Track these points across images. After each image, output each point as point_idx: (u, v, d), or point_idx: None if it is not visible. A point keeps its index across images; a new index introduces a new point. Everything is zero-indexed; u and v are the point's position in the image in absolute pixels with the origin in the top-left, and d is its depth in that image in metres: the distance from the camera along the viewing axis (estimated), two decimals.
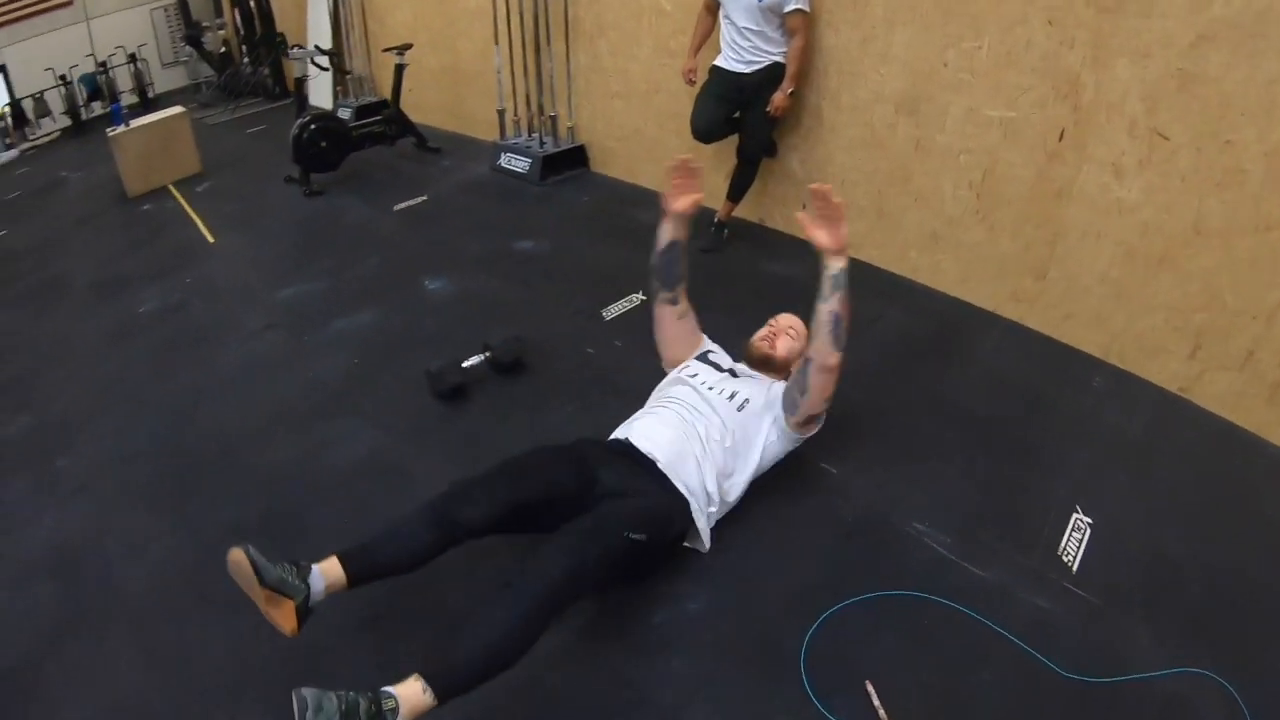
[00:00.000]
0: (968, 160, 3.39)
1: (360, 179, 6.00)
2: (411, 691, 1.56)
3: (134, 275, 4.91)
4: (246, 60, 10.46)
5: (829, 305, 2.19)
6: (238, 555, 1.73)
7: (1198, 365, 2.92)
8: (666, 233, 2.52)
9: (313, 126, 5.56)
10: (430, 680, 1.58)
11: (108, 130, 6.78)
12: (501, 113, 5.71)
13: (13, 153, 10.96)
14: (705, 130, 3.88)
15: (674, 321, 2.63)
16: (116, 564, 2.50)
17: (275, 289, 4.29)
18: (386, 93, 7.53)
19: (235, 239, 5.26)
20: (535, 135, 5.62)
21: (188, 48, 11.71)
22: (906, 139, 3.58)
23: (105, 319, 4.35)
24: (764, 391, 2.43)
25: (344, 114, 7.29)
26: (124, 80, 12.03)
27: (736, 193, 4.09)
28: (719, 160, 4.30)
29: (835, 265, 2.18)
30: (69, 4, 12.28)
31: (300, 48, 6.13)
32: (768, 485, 2.45)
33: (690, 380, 2.46)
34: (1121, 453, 2.71)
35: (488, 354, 3.17)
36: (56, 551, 2.60)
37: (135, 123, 6.78)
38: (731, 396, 2.37)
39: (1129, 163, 2.89)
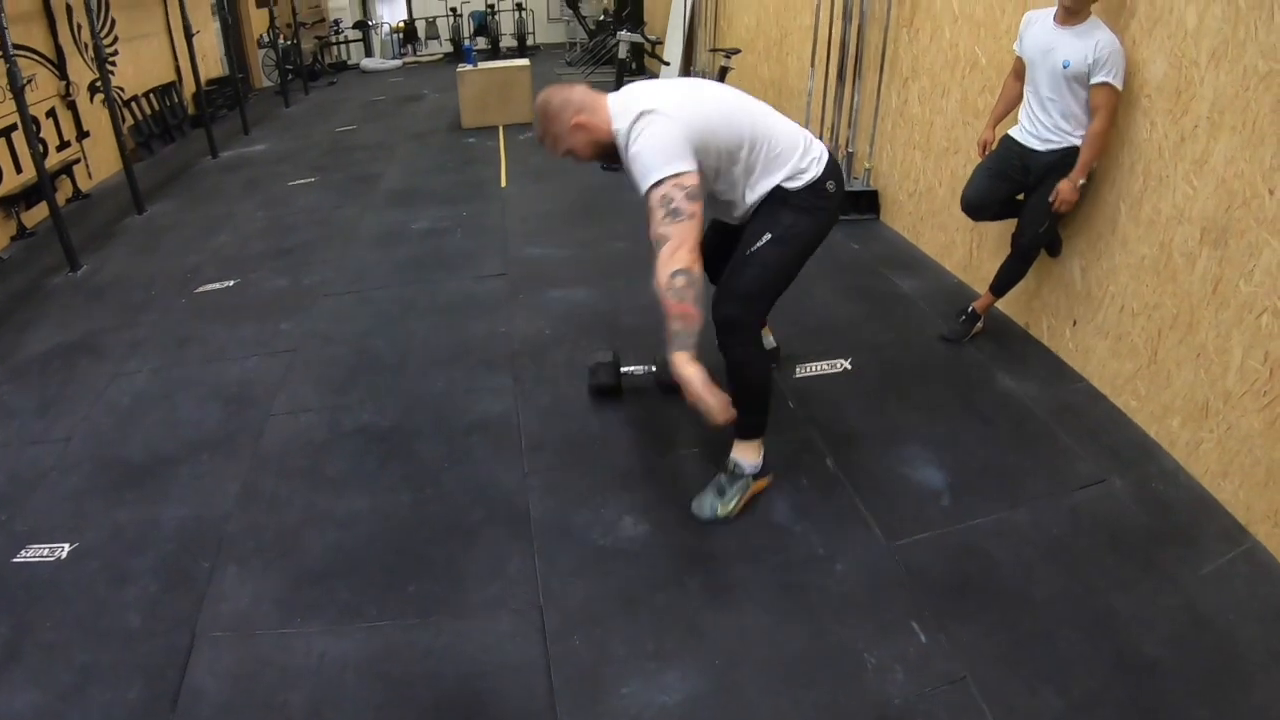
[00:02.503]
0: (1270, 324, 2.66)
1: None
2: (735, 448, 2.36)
3: (427, 194, 5.66)
4: (635, 32, 11.28)
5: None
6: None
7: None
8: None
9: None
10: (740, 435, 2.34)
11: (457, 67, 7.76)
12: None
13: (397, 62, 12.95)
14: (975, 204, 3.47)
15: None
16: (271, 416, 3.05)
17: (526, 244, 4.63)
18: None
19: (524, 189, 5.77)
20: None
21: (568, 9, 12.86)
22: (1205, 276, 2.93)
23: (385, 222, 5.09)
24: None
25: None
26: (507, 24, 13.52)
27: (1000, 285, 3.56)
28: (1002, 243, 3.83)
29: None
30: None
31: (627, 31, 6.51)
32: (833, 622, 2.10)
33: None
34: None
35: (654, 369, 3.15)
36: (239, 387, 3.26)
37: (483, 65, 7.73)
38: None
39: None
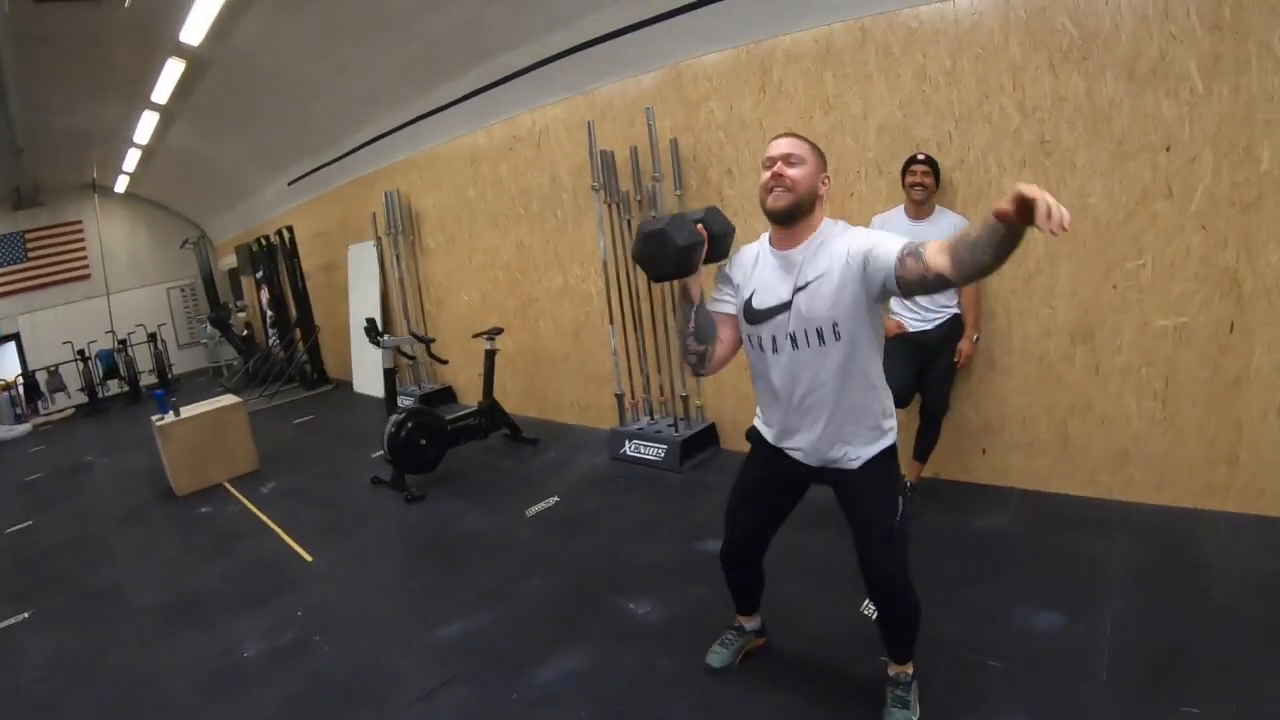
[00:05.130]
0: (1149, 373, 3.38)
1: (462, 480, 5.31)
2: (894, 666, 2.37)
3: (216, 599, 4.05)
4: (278, 343, 10.07)
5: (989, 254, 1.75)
6: None
7: None
8: (697, 291, 2.18)
9: (410, 424, 5.01)
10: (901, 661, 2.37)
11: (153, 418, 6.17)
12: (620, 397, 5.25)
13: (25, 427, 10.28)
14: (903, 393, 3.52)
15: (726, 342, 2.24)
16: None
17: (430, 625, 3.39)
18: (449, 379, 7.18)
19: (339, 555, 4.38)
20: (660, 418, 5.21)
21: (210, 329, 11.48)
22: (1085, 366, 3.52)
23: (195, 660, 3.44)
24: (834, 293, 2.00)
25: (404, 403, 6.77)
26: (143, 359, 11.65)
27: (925, 453, 3.76)
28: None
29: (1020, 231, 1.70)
30: (87, 277, 12.22)
31: (389, 335, 5.69)
32: None
33: (760, 354, 2.20)
34: None
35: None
36: None
37: (185, 411, 6.15)
38: (809, 338, 2.06)
39: None
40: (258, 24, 5.63)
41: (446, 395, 7.41)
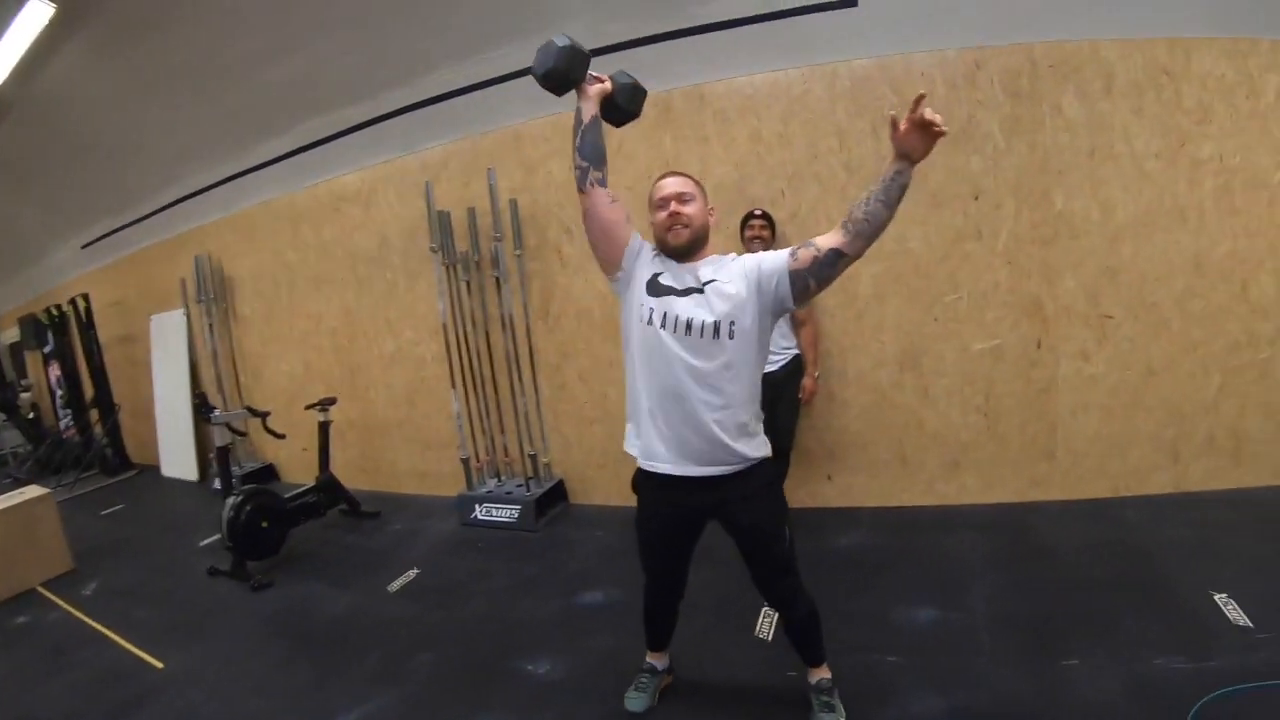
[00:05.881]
0: (970, 391, 3.75)
1: (308, 561, 4.82)
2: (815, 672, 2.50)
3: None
4: (71, 426, 8.87)
5: (880, 200, 1.95)
6: None
7: (1181, 465, 3.69)
8: (590, 109, 2.20)
9: (249, 506, 4.53)
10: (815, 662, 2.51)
11: None
12: (466, 461, 5.00)
13: None
14: None
15: (608, 206, 2.22)
16: None
17: (325, 718, 3.01)
18: (270, 457, 6.75)
19: (194, 657, 3.75)
20: (507, 479, 5.05)
21: None
22: (914, 390, 3.83)
23: None
24: (734, 294, 2.11)
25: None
26: None
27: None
28: None
29: (906, 171, 1.95)
30: None
31: (217, 410, 5.11)
32: None
33: (651, 330, 2.16)
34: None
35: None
36: None
37: None
38: (704, 329, 2.10)
39: (1091, 346, 3.63)
40: (71, 66, 4.98)
41: (268, 474, 6.82)
